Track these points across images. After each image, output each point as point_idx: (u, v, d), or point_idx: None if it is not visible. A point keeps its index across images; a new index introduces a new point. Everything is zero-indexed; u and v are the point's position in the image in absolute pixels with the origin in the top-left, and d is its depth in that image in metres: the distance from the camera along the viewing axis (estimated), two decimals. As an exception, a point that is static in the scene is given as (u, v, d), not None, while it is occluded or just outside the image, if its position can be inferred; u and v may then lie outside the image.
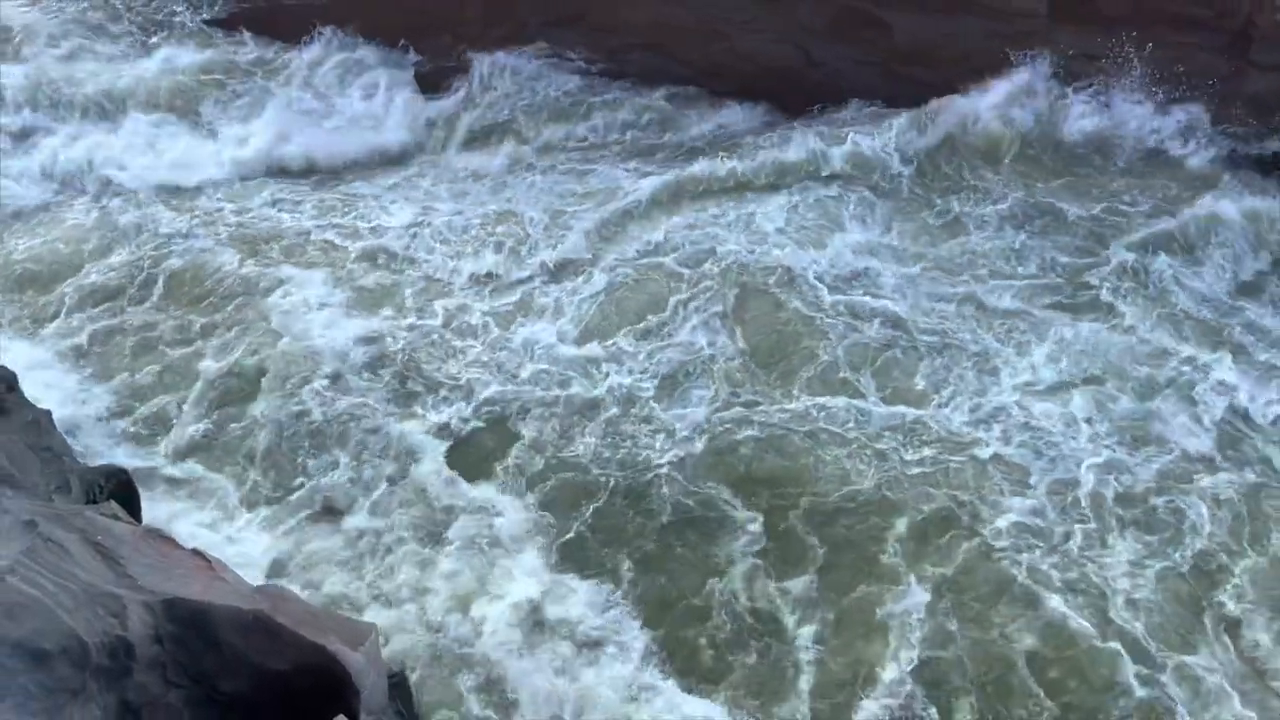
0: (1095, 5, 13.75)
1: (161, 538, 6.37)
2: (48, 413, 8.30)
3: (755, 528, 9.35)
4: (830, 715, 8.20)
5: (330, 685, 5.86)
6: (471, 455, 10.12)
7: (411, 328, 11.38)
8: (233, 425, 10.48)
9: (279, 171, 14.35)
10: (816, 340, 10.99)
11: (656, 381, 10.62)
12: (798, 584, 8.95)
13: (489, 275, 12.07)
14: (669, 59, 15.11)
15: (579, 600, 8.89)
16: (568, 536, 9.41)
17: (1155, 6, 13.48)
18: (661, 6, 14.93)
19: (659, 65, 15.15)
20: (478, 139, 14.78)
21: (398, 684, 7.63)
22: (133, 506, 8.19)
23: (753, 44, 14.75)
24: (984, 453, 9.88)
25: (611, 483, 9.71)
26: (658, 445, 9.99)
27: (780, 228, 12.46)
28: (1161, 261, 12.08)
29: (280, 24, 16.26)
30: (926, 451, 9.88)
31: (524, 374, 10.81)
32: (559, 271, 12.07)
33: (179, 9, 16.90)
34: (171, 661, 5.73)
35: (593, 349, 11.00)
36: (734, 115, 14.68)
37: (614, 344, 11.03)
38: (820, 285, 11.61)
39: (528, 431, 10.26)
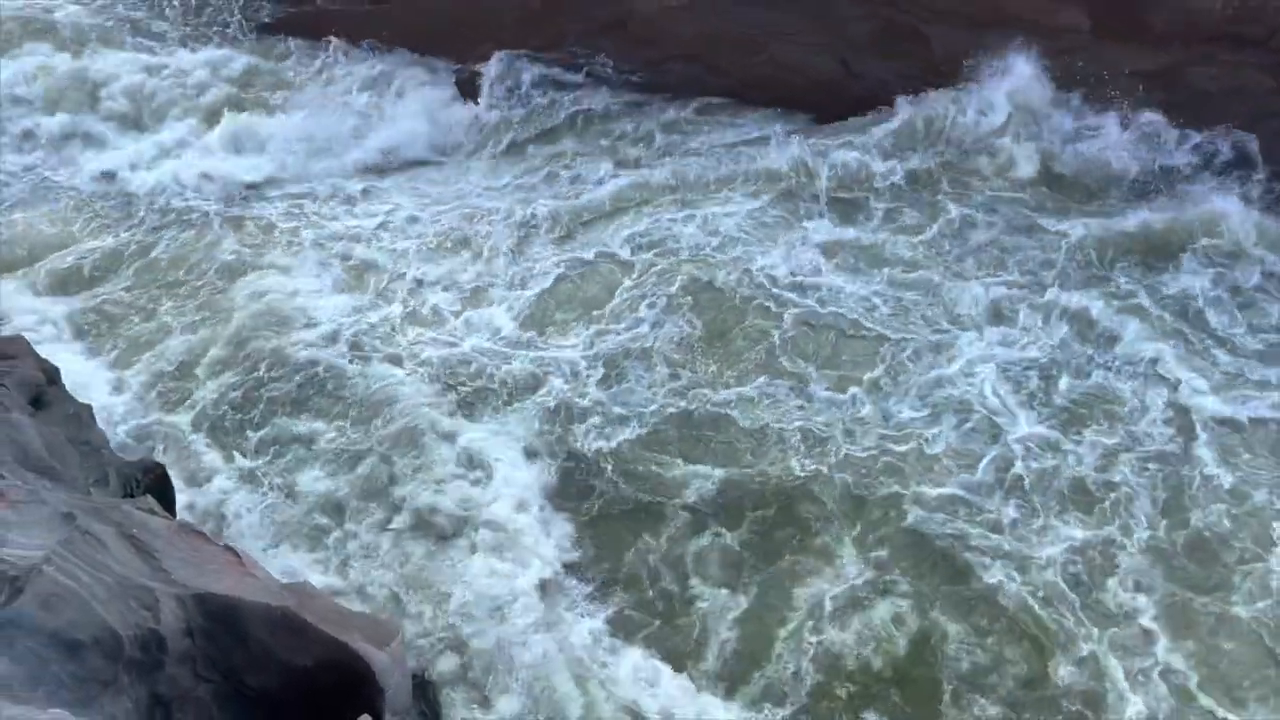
0: (1141, 20, 13.57)
1: (195, 533, 6.47)
2: (88, 406, 8.47)
3: (692, 504, 9.88)
4: (761, 688, 8.68)
5: (355, 684, 5.91)
6: (422, 426, 10.61)
7: (374, 310, 12.06)
8: (203, 392, 11.11)
9: (305, 175, 14.55)
10: (765, 328, 11.47)
11: (601, 363, 11.16)
12: (733, 558, 9.52)
13: (453, 268, 12.66)
14: (708, 70, 15.11)
15: (531, 568, 9.34)
16: (518, 507, 9.86)
17: (1206, 23, 13.24)
18: (703, 18, 14.93)
19: (697, 76, 15.16)
20: (505, 145, 14.87)
21: (422, 685, 7.68)
22: (168, 501, 8.32)
23: (794, 56, 14.72)
24: (930, 435, 10.33)
25: (558, 456, 10.29)
26: (598, 422, 10.56)
27: (741, 224, 12.87)
28: (1148, 266, 12.23)
29: (323, 30, 16.47)
30: (871, 436, 10.32)
31: (476, 354, 11.38)
32: (518, 264, 12.63)
33: (229, 14, 17.17)
34: (202, 656, 5.81)
35: (544, 332, 11.68)
36: (764, 127, 14.66)
37: (563, 328, 11.69)
38: (773, 278, 12.02)
39: (476, 406, 10.83)
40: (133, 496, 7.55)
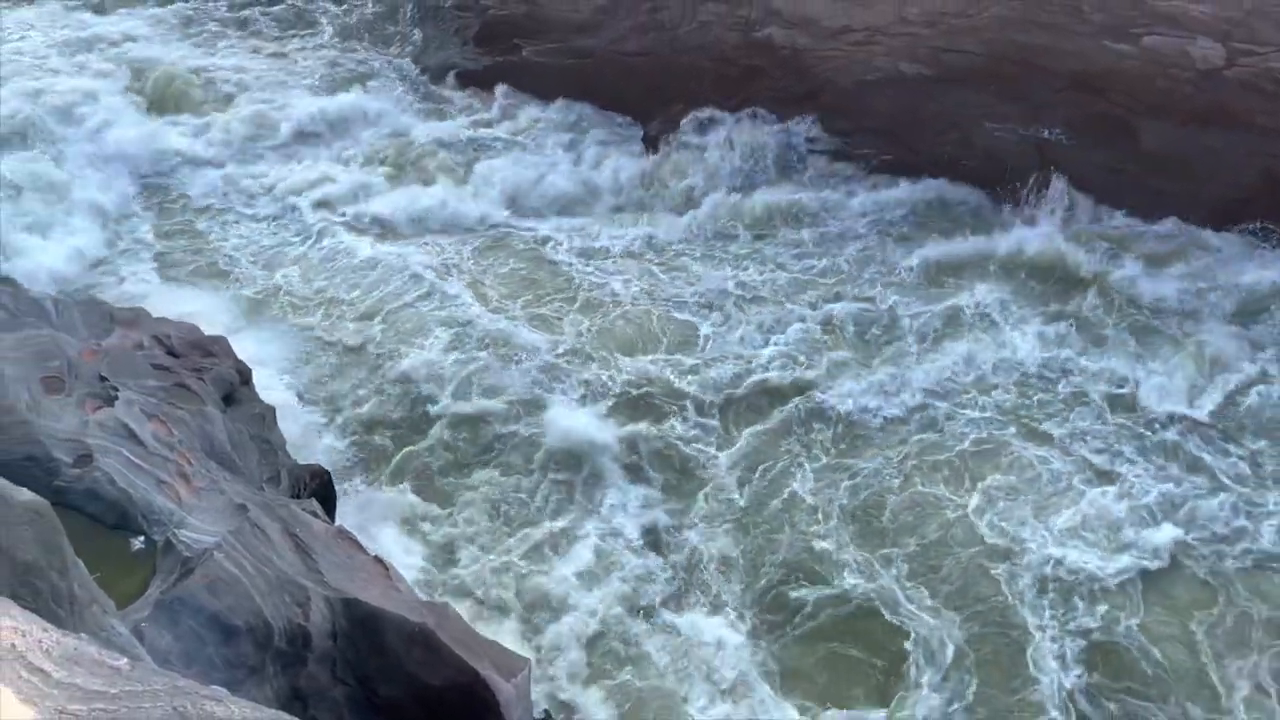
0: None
1: (350, 540, 6.75)
2: (272, 408, 9.03)
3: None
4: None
5: (478, 710, 5.98)
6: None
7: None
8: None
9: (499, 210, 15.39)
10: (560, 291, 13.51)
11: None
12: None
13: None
14: (897, 146, 14.95)
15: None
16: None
17: None
18: (903, 95, 14.81)
19: (883, 150, 15.03)
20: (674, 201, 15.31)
21: (543, 722, 7.69)
22: (329, 506, 8.74)
23: (989, 140, 14.40)
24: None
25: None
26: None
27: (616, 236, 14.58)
28: None
29: (526, 83, 17.31)
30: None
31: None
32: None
33: (452, 57, 18.34)
34: (341, 659, 6.02)
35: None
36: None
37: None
38: (573, 255, 14.13)
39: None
40: (299, 498, 7.96)
